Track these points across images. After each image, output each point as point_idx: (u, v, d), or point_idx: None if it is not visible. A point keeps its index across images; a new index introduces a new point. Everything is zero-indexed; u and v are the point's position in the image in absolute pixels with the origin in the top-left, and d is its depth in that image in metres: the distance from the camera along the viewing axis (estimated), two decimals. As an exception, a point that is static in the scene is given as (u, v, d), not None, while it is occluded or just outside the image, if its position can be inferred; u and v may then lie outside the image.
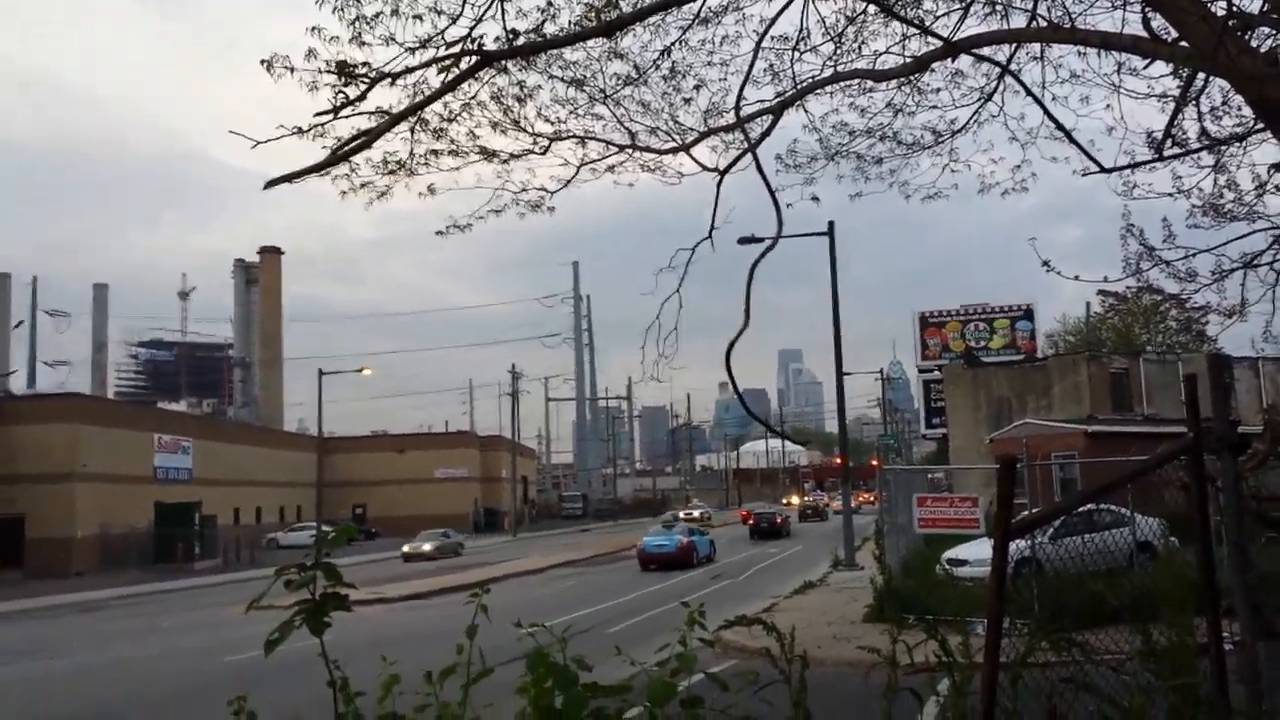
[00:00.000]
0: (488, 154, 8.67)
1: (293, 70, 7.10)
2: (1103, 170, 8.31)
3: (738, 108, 8.41)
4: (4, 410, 54.07)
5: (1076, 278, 9.87)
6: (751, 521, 60.53)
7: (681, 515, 71.57)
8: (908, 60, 8.36)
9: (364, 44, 7.28)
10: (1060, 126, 8.28)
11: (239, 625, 24.31)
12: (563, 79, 8.79)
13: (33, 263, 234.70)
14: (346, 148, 7.26)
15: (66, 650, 22.39)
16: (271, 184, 7.02)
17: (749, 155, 8.59)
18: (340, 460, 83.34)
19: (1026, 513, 6.91)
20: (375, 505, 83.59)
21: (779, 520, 59.05)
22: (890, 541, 20.04)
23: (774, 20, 8.54)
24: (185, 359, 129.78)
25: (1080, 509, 4.40)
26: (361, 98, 7.16)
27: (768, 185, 8.08)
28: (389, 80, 7.24)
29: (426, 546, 52.09)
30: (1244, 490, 4.55)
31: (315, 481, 62.24)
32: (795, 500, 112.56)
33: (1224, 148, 9.00)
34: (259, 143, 6.69)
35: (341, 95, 7.07)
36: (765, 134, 8.39)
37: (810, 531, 60.26)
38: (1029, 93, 8.39)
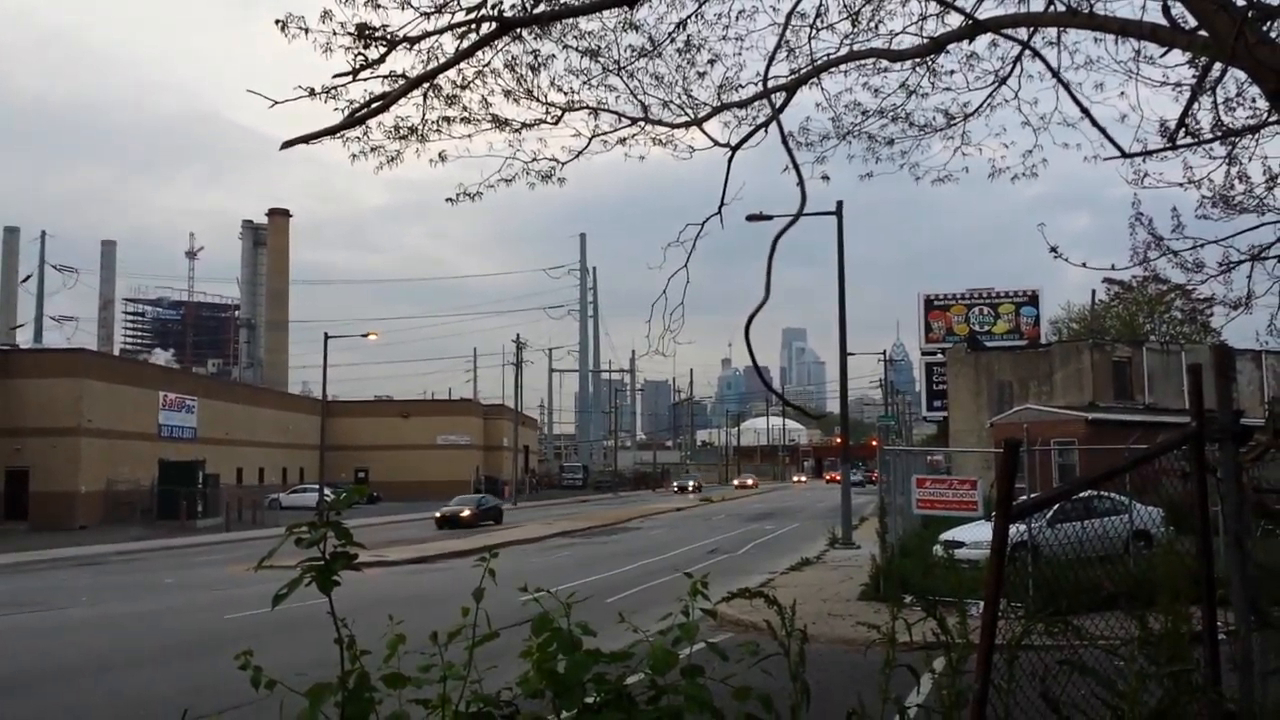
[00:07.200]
0: (500, 122, 8.65)
1: (307, 31, 7.09)
2: (1124, 155, 8.30)
3: (765, 79, 8.39)
4: (10, 364, 54.09)
5: (1084, 264, 9.88)
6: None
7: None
8: (924, 41, 8.33)
9: (379, 6, 7.25)
10: (1084, 109, 8.26)
11: (240, 583, 24.48)
12: (577, 49, 8.77)
13: (42, 218, 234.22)
14: (364, 110, 7.25)
15: (66, 603, 22.56)
16: (288, 144, 7.02)
17: (760, 132, 8.58)
18: (343, 424, 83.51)
19: (1025, 497, 6.94)
20: (377, 470, 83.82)
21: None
22: (888, 521, 20.13)
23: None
24: (192, 318, 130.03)
25: (1079, 495, 4.44)
26: (381, 60, 7.15)
27: (791, 155, 8.07)
28: (407, 44, 7.22)
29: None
30: (1244, 481, 4.59)
31: (318, 444, 62.34)
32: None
33: (1237, 139, 8.98)
34: (277, 102, 6.71)
35: (361, 58, 7.06)
36: (779, 109, 8.38)
37: (808, 509, 60.53)
38: (1054, 73, 8.37)
